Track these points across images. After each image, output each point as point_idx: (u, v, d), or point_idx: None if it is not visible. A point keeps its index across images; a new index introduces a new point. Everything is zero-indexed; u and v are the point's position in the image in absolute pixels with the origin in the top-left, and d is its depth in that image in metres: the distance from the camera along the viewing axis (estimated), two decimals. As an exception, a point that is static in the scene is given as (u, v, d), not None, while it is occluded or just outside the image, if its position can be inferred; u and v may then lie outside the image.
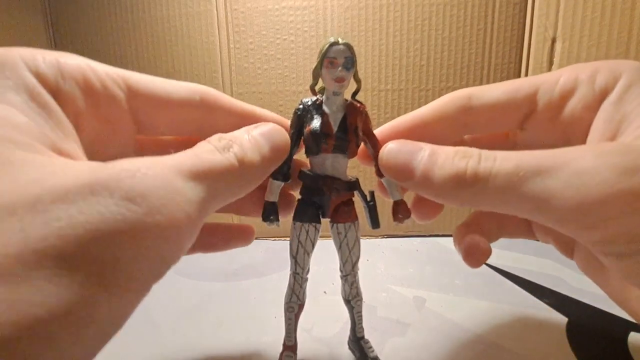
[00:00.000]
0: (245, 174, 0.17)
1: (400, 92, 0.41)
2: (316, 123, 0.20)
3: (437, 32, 0.40)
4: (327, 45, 0.19)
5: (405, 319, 0.29)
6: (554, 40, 0.37)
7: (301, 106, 0.21)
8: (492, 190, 0.16)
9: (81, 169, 0.12)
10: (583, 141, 0.19)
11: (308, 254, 0.22)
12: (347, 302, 0.24)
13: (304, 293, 0.23)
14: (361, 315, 0.24)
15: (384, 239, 0.43)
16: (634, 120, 0.16)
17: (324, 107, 0.21)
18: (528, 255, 0.38)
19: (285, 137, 0.19)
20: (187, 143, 0.20)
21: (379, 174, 0.21)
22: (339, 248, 0.23)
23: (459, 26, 0.40)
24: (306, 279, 0.23)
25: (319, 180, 0.21)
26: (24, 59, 0.15)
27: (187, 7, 0.42)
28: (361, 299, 0.24)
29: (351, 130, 0.20)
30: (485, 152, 0.16)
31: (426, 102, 0.42)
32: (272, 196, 0.21)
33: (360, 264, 0.24)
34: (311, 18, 0.41)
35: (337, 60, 0.19)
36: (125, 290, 0.12)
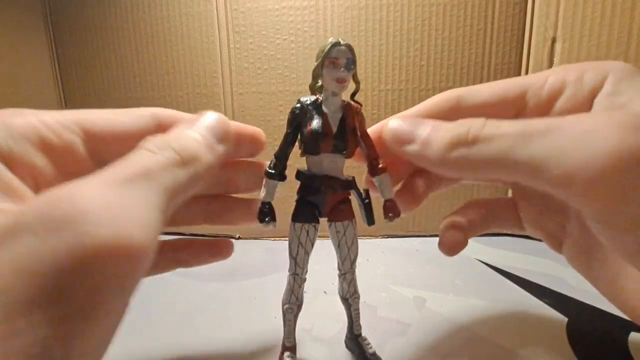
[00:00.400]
0: (191, 162, 0.16)
1: (400, 92, 0.41)
2: (317, 123, 0.20)
3: (437, 32, 0.40)
4: (329, 46, 0.19)
5: (405, 319, 0.29)
6: (554, 40, 0.37)
7: (299, 105, 0.21)
8: (493, 150, 0.16)
9: (9, 213, 0.12)
10: None
11: (307, 254, 0.22)
12: (345, 300, 0.24)
13: (302, 294, 0.23)
14: (359, 313, 0.24)
15: (384, 239, 0.43)
16: (632, 107, 0.17)
17: (323, 107, 0.21)
18: (528, 255, 0.38)
19: (224, 121, 0.18)
20: None
21: (372, 172, 0.21)
22: (338, 246, 0.23)
23: (459, 26, 0.40)
24: (305, 279, 0.23)
25: (317, 179, 0.21)
26: None
27: (187, 7, 0.42)
28: (359, 297, 0.24)
29: (349, 130, 0.20)
30: (491, 120, 0.16)
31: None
32: (269, 196, 0.21)
33: (360, 264, 0.24)
34: (311, 18, 0.41)
35: (339, 61, 0.19)
36: (92, 318, 0.11)
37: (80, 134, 0.18)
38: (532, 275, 0.35)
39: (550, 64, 0.38)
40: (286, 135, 0.21)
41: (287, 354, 0.23)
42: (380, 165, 0.21)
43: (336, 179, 0.21)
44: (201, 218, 0.24)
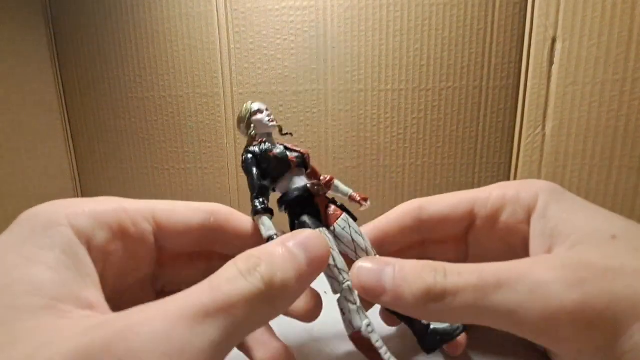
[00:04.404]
0: (276, 297, 0.15)
1: (400, 92, 0.41)
2: (276, 149, 0.22)
3: (437, 32, 0.40)
4: (249, 107, 0.23)
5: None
6: (554, 40, 0.37)
7: (251, 150, 0.23)
8: (461, 304, 0.16)
9: (78, 333, 0.12)
10: (523, 248, 0.22)
11: (337, 253, 0.21)
12: None
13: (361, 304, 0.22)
14: None
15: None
16: (560, 234, 0.19)
17: (270, 148, 0.23)
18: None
19: (324, 243, 0.17)
20: (202, 254, 0.22)
21: (327, 187, 0.24)
22: (352, 240, 0.22)
23: (459, 26, 0.40)
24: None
25: (299, 192, 0.22)
26: (68, 216, 0.17)
27: (187, 7, 0.42)
28: None
29: (298, 149, 0.23)
30: (449, 266, 0.17)
31: (426, 102, 0.42)
32: (272, 229, 0.21)
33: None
34: (311, 18, 0.41)
35: (262, 108, 0.23)
36: None
37: (152, 223, 0.20)
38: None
39: (550, 64, 0.38)
40: (254, 176, 0.22)
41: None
42: (326, 179, 0.24)
43: (315, 183, 0.23)
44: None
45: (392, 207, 0.26)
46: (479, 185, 0.25)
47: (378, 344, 0.20)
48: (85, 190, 0.49)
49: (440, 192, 0.26)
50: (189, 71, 0.43)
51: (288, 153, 0.22)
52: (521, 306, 0.15)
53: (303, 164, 0.23)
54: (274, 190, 0.23)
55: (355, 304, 0.21)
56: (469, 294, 0.16)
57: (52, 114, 0.46)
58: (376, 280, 0.18)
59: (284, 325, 0.24)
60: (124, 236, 0.19)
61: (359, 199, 0.25)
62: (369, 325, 0.20)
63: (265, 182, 0.22)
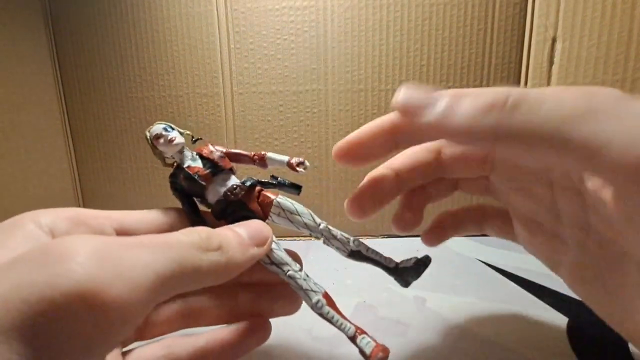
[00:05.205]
0: (213, 251, 0.17)
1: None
2: (185, 167, 0.22)
3: (437, 32, 0.40)
4: (149, 139, 0.23)
5: (405, 319, 0.29)
6: (554, 40, 0.37)
7: (171, 185, 0.23)
8: (541, 118, 0.13)
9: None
10: None
11: (277, 249, 0.22)
12: (354, 252, 0.23)
13: (314, 283, 0.22)
14: (373, 250, 0.24)
15: (384, 239, 0.43)
16: None
17: (185, 165, 0.22)
18: (528, 255, 0.38)
19: (268, 231, 0.20)
20: None
21: (262, 163, 0.24)
22: (292, 222, 0.23)
23: (459, 26, 0.40)
24: (301, 269, 0.22)
25: (218, 205, 0.22)
26: (30, 216, 0.18)
27: (187, 7, 0.42)
28: (356, 238, 0.24)
29: (210, 157, 0.23)
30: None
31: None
32: None
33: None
34: (311, 18, 0.41)
35: (158, 132, 0.23)
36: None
37: (114, 224, 0.20)
38: (532, 275, 0.35)
39: (551, 64, 0.38)
40: (183, 207, 0.23)
41: (361, 337, 0.20)
42: (257, 156, 0.24)
43: (235, 184, 0.22)
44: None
45: (392, 207, 0.26)
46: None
47: (328, 315, 0.21)
48: (85, 190, 0.49)
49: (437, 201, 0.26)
50: (189, 71, 0.43)
51: (196, 170, 0.22)
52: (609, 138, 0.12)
53: (218, 170, 0.22)
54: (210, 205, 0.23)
55: (301, 288, 0.21)
56: (561, 111, 0.13)
57: (52, 114, 0.46)
58: (426, 97, 0.16)
59: (283, 326, 0.24)
60: (85, 227, 0.19)
61: (295, 165, 0.24)
62: (317, 302, 0.21)
63: (194, 208, 0.23)
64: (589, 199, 0.17)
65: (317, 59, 0.41)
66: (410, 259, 0.24)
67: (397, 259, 0.24)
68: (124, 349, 0.21)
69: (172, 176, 0.23)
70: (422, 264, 0.24)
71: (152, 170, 0.46)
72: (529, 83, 0.39)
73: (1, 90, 0.39)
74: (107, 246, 0.13)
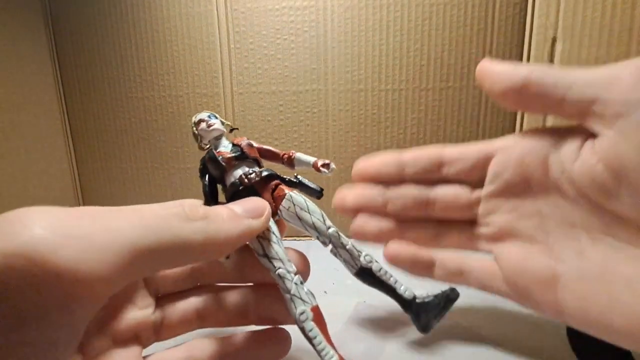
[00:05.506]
0: (196, 220, 0.16)
1: (401, 92, 0.41)
2: (214, 151, 0.23)
3: (437, 32, 0.40)
4: (192, 124, 0.23)
5: (406, 319, 0.29)
6: (554, 40, 0.37)
7: (200, 165, 0.23)
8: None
9: None
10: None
11: (275, 242, 0.20)
12: (363, 270, 0.21)
13: (307, 292, 0.20)
14: (390, 274, 0.22)
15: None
16: None
17: (215, 151, 0.23)
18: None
19: (265, 205, 0.20)
20: None
21: (289, 163, 0.24)
22: (300, 219, 0.21)
23: (459, 26, 0.40)
24: (294, 271, 0.20)
25: (232, 187, 0.22)
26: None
27: (187, 7, 0.42)
28: (374, 259, 0.22)
29: (239, 143, 0.23)
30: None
31: (426, 102, 0.42)
32: None
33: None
34: (311, 18, 0.41)
35: (203, 117, 0.23)
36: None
37: None
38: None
39: (551, 64, 0.38)
40: (202, 184, 0.23)
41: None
42: (286, 155, 0.24)
43: (253, 170, 0.22)
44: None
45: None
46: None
47: (311, 333, 0.19)
48: (85, 190, 0.49)
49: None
50: (189, 71, 0.43)
51: (221, 152, 0.22)
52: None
53: (243, 156, 0.22)
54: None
55: (288, 292, 0.20)
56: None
57: (52, 114, 0.46)
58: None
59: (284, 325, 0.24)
60: None
61: (319, 165, 0.24)
62: (302, 313, 0.19)
63: (218, 186, 0.23)
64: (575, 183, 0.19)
65: (317, 59, 0.41)
66: (433, 296, 0.21)
67: (416, 290, 0.22)
68: (144, 354, 0.20)
69: (202, 159, 0.23)
70: (447, 299, 0.21)
71: (152, 170, 0.46)
72: (529, 83, 0.39)
73: (1, 90, 0.39)
74: (66, 214, 0.13)
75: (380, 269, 0.21)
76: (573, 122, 0.20)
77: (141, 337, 0.20)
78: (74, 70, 0.45)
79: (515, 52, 0.40)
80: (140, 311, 0.21)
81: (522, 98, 0.20)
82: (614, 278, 0.18)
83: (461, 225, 0.24)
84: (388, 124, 0.42)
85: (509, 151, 0.22)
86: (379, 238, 0.24)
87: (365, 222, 0.24)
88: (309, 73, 0.42)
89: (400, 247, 0.24)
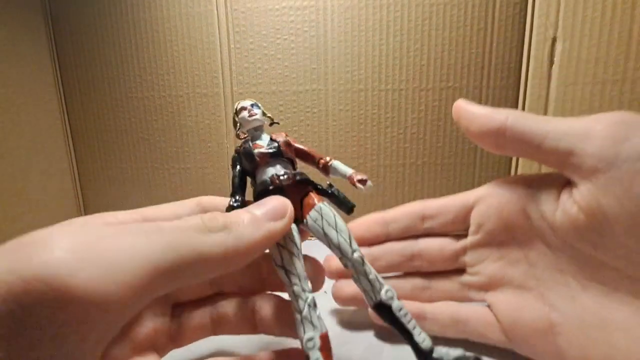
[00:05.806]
0: (217, 231, 0.15)
1: (401, 92, 0.41)
2: (252, 144, 0.22)
3: (437, 32, 0.40)
4: (234, 109, 0.23)
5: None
6: (554, 40, 0.37)
7: (235, 154, 0.23)
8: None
9: None
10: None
11: (296, 256, 0.19)
12: (381, 305, 0.19)
13: (319, 317, 0.18)
14: (408, 313, 0.20)
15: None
16: None
17: (251, 143, 0.22)
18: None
19: (287, 204, 0.18)
20: None
21: (325, 170, 0.23)
22: (325, 235, 0.20)
23: (459, 26, 0.40)
24: (310, 290, 0.19)
25: (261, 186, 0.21)
26: None
27: (187, 7, 0.42)
28: (394, 293, 0.20)
29: (276, 140, 0.22)
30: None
31: (426, 102, 0.42)
32: None
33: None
34: (311, 18, 0.40)
35: (246, 105, 0.23)
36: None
37: (140, 220, 0.20)
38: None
39: (551, 64, 0.38)
40: (232, 174, 0.22)
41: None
42: (323, 160, 0.22)
43: (286, 172, 0.21)
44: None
45: (392, 207, 0.26)
46: (479, 185, 0.25)
47: None
48: (85, 190, 0.49)
49: (441, 191, 0.26)
50: (189, 71, 0.43)
51: (257, 145, 0.22)
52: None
53: (278, 153, 0.21)
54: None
55: (300, 312, 0.18)
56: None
57: (52, 114, 0.46)
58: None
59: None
60: None
61: (355, 180, 0.21)
62: (310, 340, 0.18)
63: (247, 179, 0.22)
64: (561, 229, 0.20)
65: (317, 59, 0.41)
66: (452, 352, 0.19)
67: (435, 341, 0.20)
68: None
69: (237, 149, 0.22)
70: None
71: (152, 170, 0.46)
72: (529, 83, 0.39)
73: (1, 90, 0.39)
74: (86, 235, 0.13)
75: (401, 309, 0.19)
76: (552, 169, 0.20)
77: (158, 345, 0.20)
78: (74, 70, 0.45)
79: (515, 52, 0.40)
80: (158, 319, 0.21)
81: (499, 142, 0.21)
82: (611, 326, 0.18)
83: (450, 275, 0.25)
84: (388, 124, 0.42)
85: (487, 201, 0.23)
86: (362, 301, 0.23)
87: (345, 285, 0.25)
88: (309, 73, 0.42)
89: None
